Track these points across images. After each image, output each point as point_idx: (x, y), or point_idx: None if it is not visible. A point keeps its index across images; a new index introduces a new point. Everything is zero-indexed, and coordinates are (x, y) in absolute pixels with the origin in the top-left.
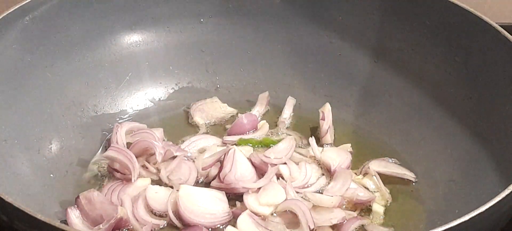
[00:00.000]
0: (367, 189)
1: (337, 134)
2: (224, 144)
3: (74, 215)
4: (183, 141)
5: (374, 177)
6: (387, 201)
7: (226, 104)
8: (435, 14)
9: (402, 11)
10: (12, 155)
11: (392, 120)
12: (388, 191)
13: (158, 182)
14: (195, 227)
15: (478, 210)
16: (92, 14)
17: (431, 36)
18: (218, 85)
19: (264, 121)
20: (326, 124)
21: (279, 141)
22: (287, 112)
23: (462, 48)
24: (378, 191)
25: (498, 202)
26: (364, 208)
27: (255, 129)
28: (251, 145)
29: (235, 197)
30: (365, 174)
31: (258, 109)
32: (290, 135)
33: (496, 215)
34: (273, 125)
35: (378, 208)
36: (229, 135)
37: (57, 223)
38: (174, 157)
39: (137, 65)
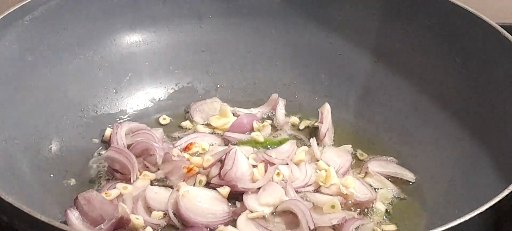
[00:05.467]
0: (371, 186)
1: (337, 134)
2: (225, 139)
3: (73, 216)
4: (179, 138)
5: (377, 174)
6: (393, 198)
7: (226, 104)
8: (435, 14)
9: (402, 11)
10: (12, 155)
11: (392, 120)
12: (392, 188)
13: (158, 182)
14: (195, 227)
15: (478, 210)
16: (92, 14)
17: (431, 36)
18: (218, 85)
19: (266, 122)
20: (325, 127)
21: (280, 142)
22: (281, 112)
23: (462, 48)
24: (383, 188)
25: (498, 202)
26: (365, 208)
27: (254, 129)
28: (251, 146)
29: (235, 197)
30: (366, 174)
31: (261, 110)
32: (290, 136)
33: (496, 215)
34: (273, 126)
35: (380, 206)
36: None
37: (57, 223)
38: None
39: (137, 65)
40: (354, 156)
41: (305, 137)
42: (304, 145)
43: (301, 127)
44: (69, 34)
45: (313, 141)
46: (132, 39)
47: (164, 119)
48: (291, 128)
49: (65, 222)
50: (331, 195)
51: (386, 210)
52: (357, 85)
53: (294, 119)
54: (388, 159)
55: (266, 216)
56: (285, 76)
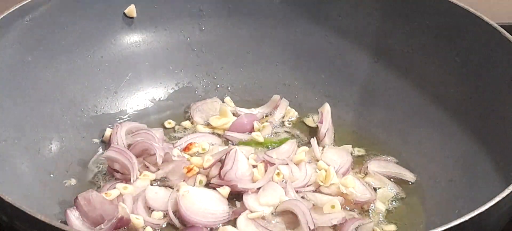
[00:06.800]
0: (371, 186)
1: (337, 134)
2: (225, 138)
3: (73, 216)
4: (179, 138)
5: (377, 174)
6: (393, 197)
7: (226, 104)
8: (435, 14)
9: (402, 11)
10: (12, 155)
11: (392, 119)
12: (392, 188)
13: (158, 182)
14: (195, 227)
15: (478, 210)
16: (92, 14)
17: (431, 36)
18: (218, 85)
19: (267, 122)
20: (325, 127)
21: (280, 141)
22: (279, 113)
23: (462, 48)
24: (383, 188)
25: (498, 202)
26: (365, 208)
27: (254, 129)
28: (251, 146)
29: (235, 197)
30: (366, 174)
31: (262, 111)
32: (290, 136)
33: (496, 215)
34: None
35: (380, 206)
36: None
37: (57, 223)
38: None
39: (137, 65)
40: (354, 157)
41: (305, 137)
42: (304, 145)
43: (301, 126)
44: (69, 34)
45: (313, 141)
46: (132, 39)
47: (169, 123)
48: (291, 127)
49: (65, 222)
50: (331, 195)
51: (386, 210)
52: (357, 85)
53: (292, 112)
54: (388, 159)
55: (266, 216)
56: (285, 76)
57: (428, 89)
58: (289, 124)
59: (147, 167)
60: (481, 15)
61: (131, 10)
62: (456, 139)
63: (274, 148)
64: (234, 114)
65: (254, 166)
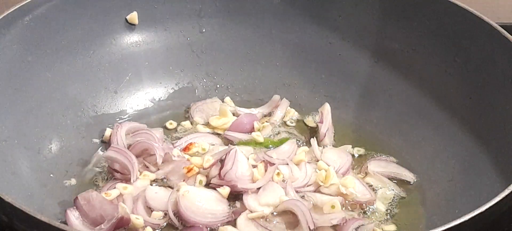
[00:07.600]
0: (371, 186)
1: (337, 134)
2: (225, 138)
3: (73, 216)
4: (179, 138)
5: (377, 174)
6: (393, 198)
7: (226, 104)
8: (435, 14)
9: (402, 11)
10: (12, 155)
11: (392, 119)
12: (392, 188)
13: (158, 182)
14: (195, 227)
15: (478, 210)
16: (92, 14)
17: (431, 36)
18: (218, 85)
19: (267, 122)
20: (325, 127)
21: (280, 141)
22: (279, 113)
23: (462, 49)
24: (383, 188)
25: (498, 202)
26: (365, 208)
27: (254, 129)
28: (251, 146)
29: (235, 197)
30: (366, 174)
31: (262, 111)
32: (291, 136)
33: (496, 215)
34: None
35: (380, 206)
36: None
37: (57, 223)
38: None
39: (137, 65)
40: (354, 157)
41: (305, 137)
42: (304, 145)
43: (301, 126)
44: (69, 34)
45: (313, 141)
46: (132, 39)
47: (171, 124)
48: (291, 127)
49: (65, 222)
50: (331, 195)
51: (386, 210)
52: (357, 85)
53: (292, 112)
54: (388, 159)
55: (266, 216)
56: (285, 76)
57: (428, 89)
58: (289, 124)
59: (147, 167)
60: (481, 15)
61: (133, 17)
62: (456, 139)
63: (274, 148)
64: (234, 114)
65: (254, 166)
